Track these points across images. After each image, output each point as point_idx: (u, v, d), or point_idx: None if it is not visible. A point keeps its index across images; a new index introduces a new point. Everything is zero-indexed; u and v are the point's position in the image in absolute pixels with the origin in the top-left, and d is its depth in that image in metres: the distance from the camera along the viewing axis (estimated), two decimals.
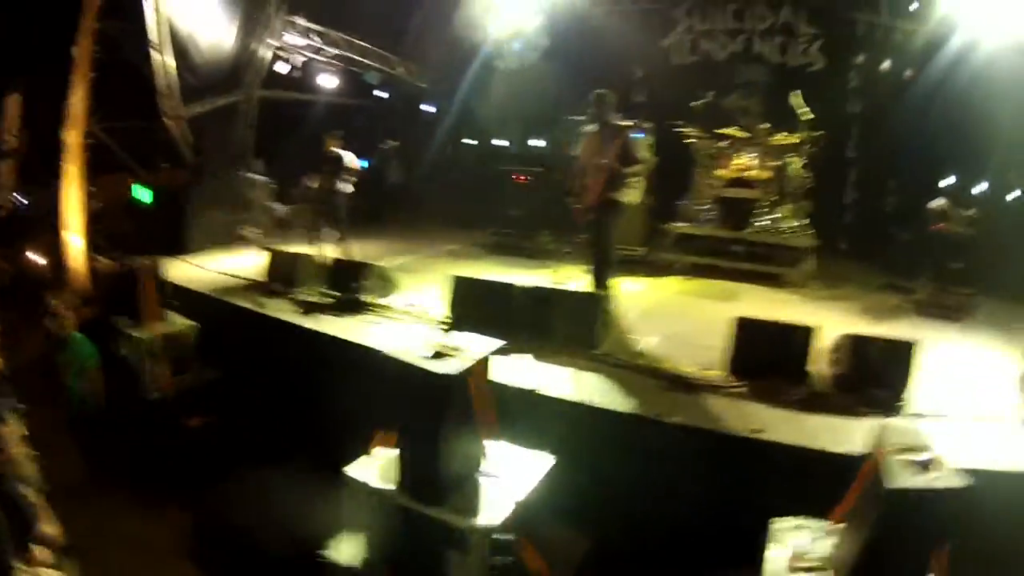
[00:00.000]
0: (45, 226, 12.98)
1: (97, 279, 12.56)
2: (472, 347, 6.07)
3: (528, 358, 9.12)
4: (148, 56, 14.02)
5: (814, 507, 5.77)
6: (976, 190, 15.82)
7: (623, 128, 10.96)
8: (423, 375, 5.62)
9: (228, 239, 15.72)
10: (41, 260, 12.99)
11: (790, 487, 6.63)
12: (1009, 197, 15.68)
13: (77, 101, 12.75)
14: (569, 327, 9.65)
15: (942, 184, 15.37)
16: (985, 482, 4.82)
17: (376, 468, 6.31)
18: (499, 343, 6.30)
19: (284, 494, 8.02)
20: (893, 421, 6.26)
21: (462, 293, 10.46)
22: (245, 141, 17.24)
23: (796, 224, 15.20)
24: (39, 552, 5.32)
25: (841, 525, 5.34)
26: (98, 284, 12.39)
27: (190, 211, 15.02)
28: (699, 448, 7.43)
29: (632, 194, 10.91)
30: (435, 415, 5.68)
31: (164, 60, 14.20)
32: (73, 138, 12.73)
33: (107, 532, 7.76)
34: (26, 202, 13.66)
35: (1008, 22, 13.91)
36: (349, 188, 14.39)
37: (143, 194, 14.42)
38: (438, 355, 5.82)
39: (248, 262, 13.72)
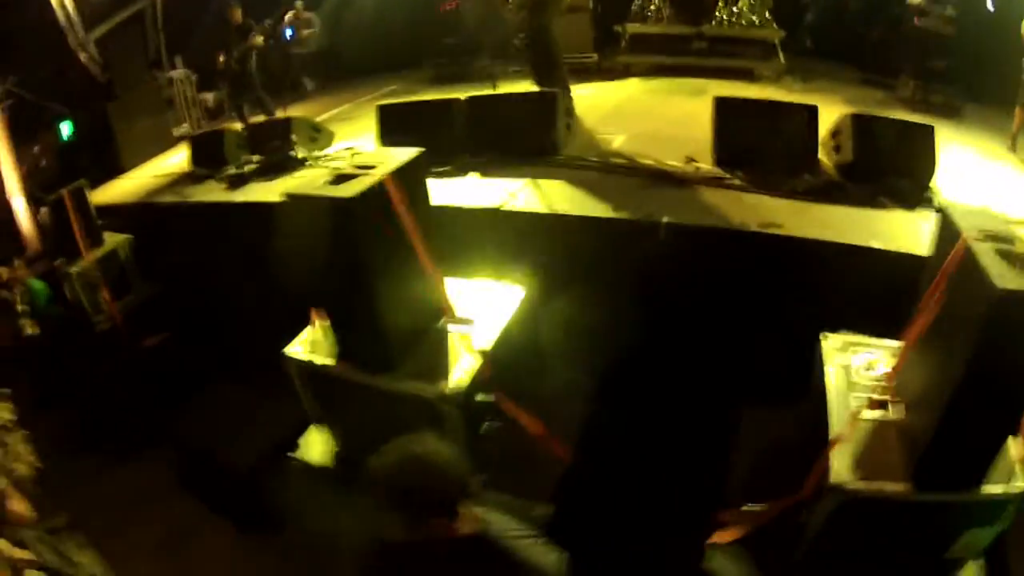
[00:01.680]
0: None
1: (44, 234, 11.97)
2: (385, 160, 4.75)
3: (474, 178, 8.33)
4: None
5: (857, 318, 4.91)
6: None
7: None
8: (323, 205, 4.35)
9: (162, 145, 15.00)
10: None
11: (825, 292, 5.76)
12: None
13: None
14: (524, 135, 8.86)
15: None
16: None
17: (309, 340, 5.37)
18: (418, 150, 4.98)
19: (253, 405, 7.67)
20: (958, 202, 5.11)
21: (391, 121, 9.50)
22: (158, 44, 16.51)
23: (759, 16, 14.40)
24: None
25: (905, 347, 4.29)
26: (43, 235, 11.91)
27: (113, 129, 14.21)
28: (703, 251, 6.58)
29: None
30: (347, 254, 4.46)
31: None
32: None
33: (97, 490, 7.42)
34: None
35: None
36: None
37: (63, 129, 13.77)
38: (340, 180, 4.50)
39: (182, 157, 13.00)
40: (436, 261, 5.00)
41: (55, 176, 12.79)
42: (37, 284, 9.42)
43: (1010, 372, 3.40)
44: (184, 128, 15.69)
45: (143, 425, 8.18)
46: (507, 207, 7.37)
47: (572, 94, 10.43)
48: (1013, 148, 10.31)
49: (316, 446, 5.84)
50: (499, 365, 4.92)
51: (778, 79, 13.54)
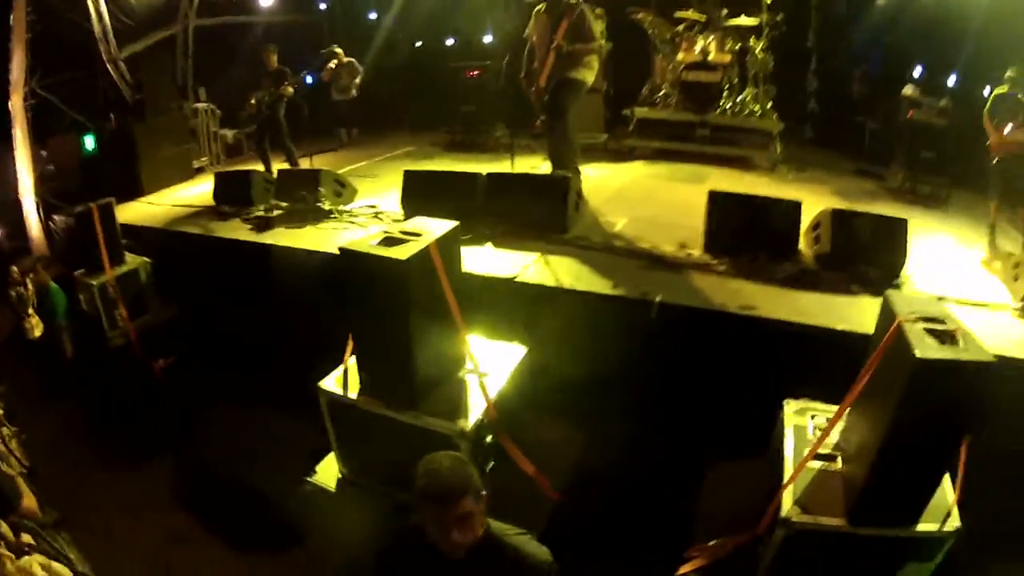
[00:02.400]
0: None
1: (54, 238, 12.43)
2: (429, 228, 5.51)
3: (490, 248, 8.80)
4: (82, 5, 13.64)
5: (819, 389, 5.55)
6: (947, 82, 15.55)
7: (573, 5, 10.39)
8: (376, 262, 5.08)
9: (181, 173, 15.28)
10: None
11: (789, 368, 6.32)
12: (982, 92, 15.32)
13: (16, 66, 12.42)
14: (536, 212, 9.31)
15: (912, 74, 15.38)
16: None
17: (339, 376, 5.94)
18: (455, 223, 5.70)
19: (261, 427, 8.07)
20: (905, 291, 5.81)
21: (415, 187, 10.04)
22: (186, 72, 16.91)
23: (760, 107, 14.86)
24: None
25: (854, 408, 4.94)
26: (56, 242, 12.28)
27: (138, 151, 14.35)
28: (688, 328, 7.15)
29: (587, 72, 10.42)
30: (394, 306, 5.18)
31: (98, 6, 13.87)
32: (16, 102, 12.43)
33: (92, 495, 7.54)
34: None
35: None
36: (353, 91, 15.48)
37: (87, 141, 13.96)
38: (390, 241, 5.26)
39: (201, 190, 13.46)
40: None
41: (74, 186, 13.24)
42: (56, 289, 9.76)
43: (927, 427, 4.06)
44: (203, 161, 16.05)
45: (145, 435, 8.38)
46: (520, 279, 7.88)
47: (581, 175, 10.83)
48: (992, 238, 10.39)
49: (333, 471, 6.26)
50: (502, 412, 5.51)
51: (774, 168, 13.95)
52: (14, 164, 12.38)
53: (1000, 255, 8.98)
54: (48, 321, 9.66)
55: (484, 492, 3.67)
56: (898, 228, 8.15)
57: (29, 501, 5.29)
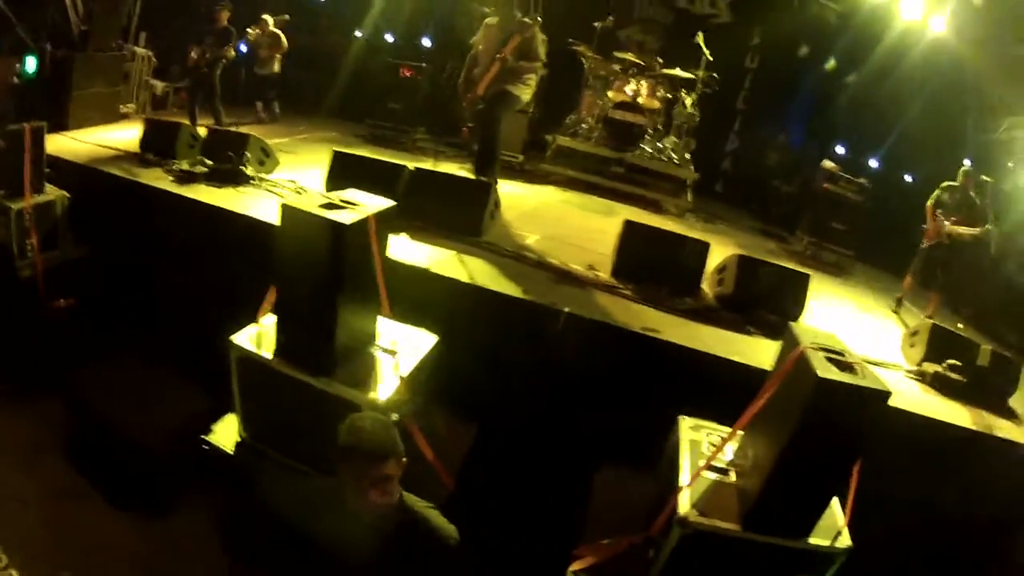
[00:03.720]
0: None
1: None
2: (368, 202, 5.60)
3: (405, 238, 8.81)
4: None
5: (711, 411, 5.75)
6: (868, 163, 16.65)
7: (528, 24, 10.63)
8: (318, 223, 5.08)
9: (108, 115, 14.82)
10: None
11: (687, 391, 6.49)
12: (904, 178, 16.18)
13: None
14: (455, 213, 9.40)
15: (833, 151, 15.95)
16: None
17: (254, 334, 5.88)
18: (393, 203, 5.85)
19: (156, 382, 7.90)
20: (807, 325, 6.07)
21: (341, 168, 10.03)
22: (132, 12, 16.22)
23: (679, 156, 15.21)
24: None
25: (742, 432, 5.22)
26: None
27: (72, 83, 14.01)
28: (593, 341, 7.27)
29: (525, 90, 10.72)
30: (329, 271, 5.21)
31: None
32: None
33: None
34: None
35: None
36: (275, 65, 15.36)
37: (29, 62, 13.52)
38: (330, 206, 5.30)
39: (127, 136, 13.00)
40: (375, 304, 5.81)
41: (4, 108, 12.80)
42: None
43: (823, 446, 4.28)
44: (130, 107, 15.63)
45: (37, 374, 8.04)
46: (436, 270, 7.94)
47: (497, 188, 10.82)
48: (897, 309, 11.33)
49: (231, 431, 6.12)
50: (409, 393, 5.59)
51: (682, 215, 14.30)
52: None
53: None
54: None
55: (404, 459, 3.74)
56: (799, 281, 8.61)
57: None
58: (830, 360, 4.38)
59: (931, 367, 8.14)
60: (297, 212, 5.26)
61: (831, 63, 17.53)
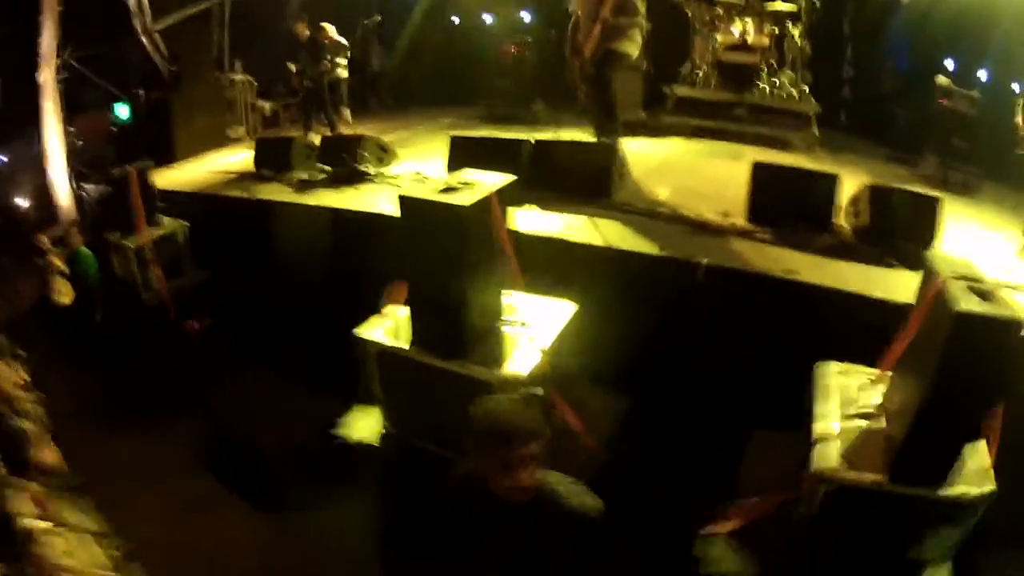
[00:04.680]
0: (28, 171, 12.61)
1: (84, 205, 12.42)
2: (485, 180, 5.63)
3: (536, 210, 8.91)
4: None
5: (857, 354, 5.60)
6: (978, 76, 15.79)
7: None
8: (437, 209, 5.19)
9: (216, 143, 15.39)
10: (25, 203, 12.64)
11: (831, 332, 6.43)
12: (1013, 86, 15.44)
13: (47, 38, 12.26)
14: (582, 178, 9.45)
15: (944, 67, 15.36)
16: None
17: (388, 327, 6.02)
18: (511, 176, 5.88)
19: (289, 389, 8.14)
20: (943, 254, 5.91)
21: (462, 152, 10.07)
22: (222, 43, 16.79)
23: (798, 90, 15.04)
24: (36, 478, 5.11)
25: (891, 372, 5.09)
26: (88, 209, 12.26)
27: (173, 120, 14.60)
28: (733, 291, 7.27)
29: (631, 46, 10.55)
30: (453, 254, 5.30)
31: None
32: (46, 75, 12.30)
33: (117, 457, 7.62)
34: (4, 158, 13.15)
35: None
36: (340, 71, 14.80)
37: (122, 111, 14.03)
38: (449, 190, 5.36)
39: (238, 159, 13.57)
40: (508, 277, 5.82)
41: (108, 156, 13.31)
42: (88, 254, 9.94)
43: (968, 384, 4.08)
44: (240, 131, 16.08)
45: (174, 398, 8.38)
46: (568, 238, 8.02)
47: (623, 147, 10.78)
48: None
49: (360, 426, 6.35)
50: (552, 366, 5.64)
51: (809, 150, 14.08)
52: (38, 141, 12.32)
53: None
54: (79, 286, 9.80)
55: (547, 436, 3.65)
56: (932, 205, 8.28)
57: (52, 456, 5.41)
58: (971, 290, 4.20)
59: None
60: (416, 201, 5.36)
61: None
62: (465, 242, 5.22)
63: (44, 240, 9.74)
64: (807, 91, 15.05)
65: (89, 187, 12.42)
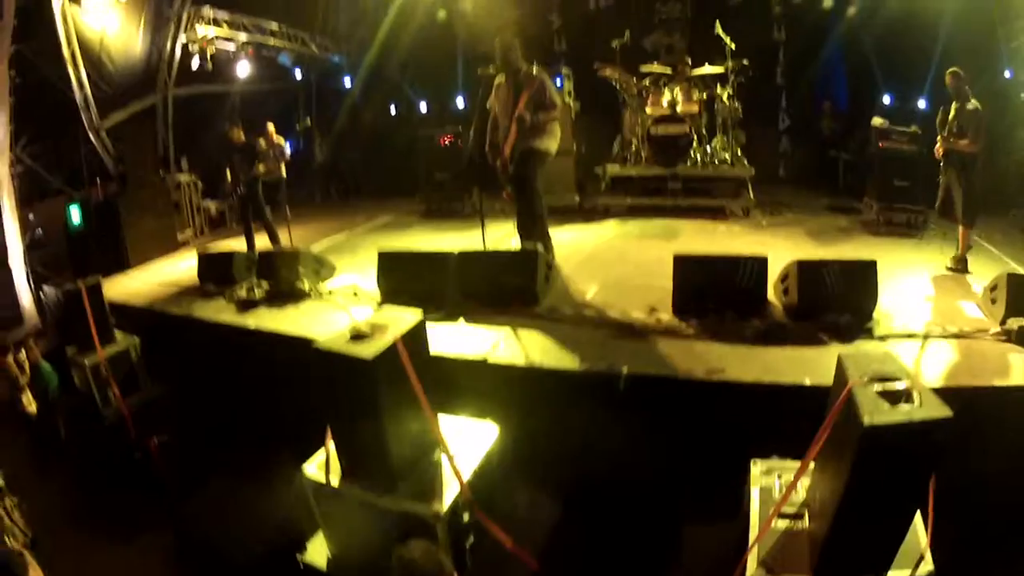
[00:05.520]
0: None
1: (44, 309, 12.49)
2: (395, 322, 5.66)
3: (462, 324, 8.87)
4: (63, 74, 13.94)
5: (789, 445, 5.48)
6: (918, 105, 16.04)
7: (532, 76, 10.42)
8: (344, 360, 5.25)
9: (166, 246, 15.59)
10: None
11: (760, 426, 6.37)
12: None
13: (1, 131, 12.45)
14: (508, 287, 9.35)
15: (881, 103, 15.54)
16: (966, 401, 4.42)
17: (320, 461, 5.99)
18: (419, 314, 5.90)
19: (255, 500, 7.97)
20: (862, 347, 5.89)
21: (389, 267, 10.09)
22: (167, 142, 17.07)
23: (730, 155, 15.10)
24: None
25: (816, 466, 4.98)
26: (48, 313, 12.31)
27: (122, 224, 14.67)
28: (657, 397, 7.18)
29: (551, 142, 10.52)
30: (365, 399, 5.33)
31: (79, 74, 14.15)
32: (2, 168, 12.46)
33: (87, 567, 7.50)
34: None
35: None
36: (280, 172, 14.89)
37: (74, 214, 14.18)
38: (358, 336, 5.42)
39: (186, 266, 13.54)
40: (432, 402, 5.72)
41: (62, 253, 13.72)
42: (48, 369, 9.99)
43: (885, 484, 4.04)
44: (188, 234, 16.33)
45: (142, 510, 8.25)
46: (491, 359, 7.90)
47: (553, 239, 10.80)
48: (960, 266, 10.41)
49: (322, 549, 6.22)
50: (477, 490, 5.62)
51: (747, 215, 14.12)
52: (1, 232, 12.45)
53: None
54: (41, 399, 9.87)
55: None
56: (866, 271, 8.23)
57: (35, 573, 5.33)
58: (882, 393, 4.16)
59: (1016, 322, 7.63)
60: (325, 352, 5.40)
61: (852, 10, 17.05)
62: (374, 389, 5.25)
63: (8, 340, 9.88)
64: (740, 154, 15.14)
65: (48, 289, 12.25)
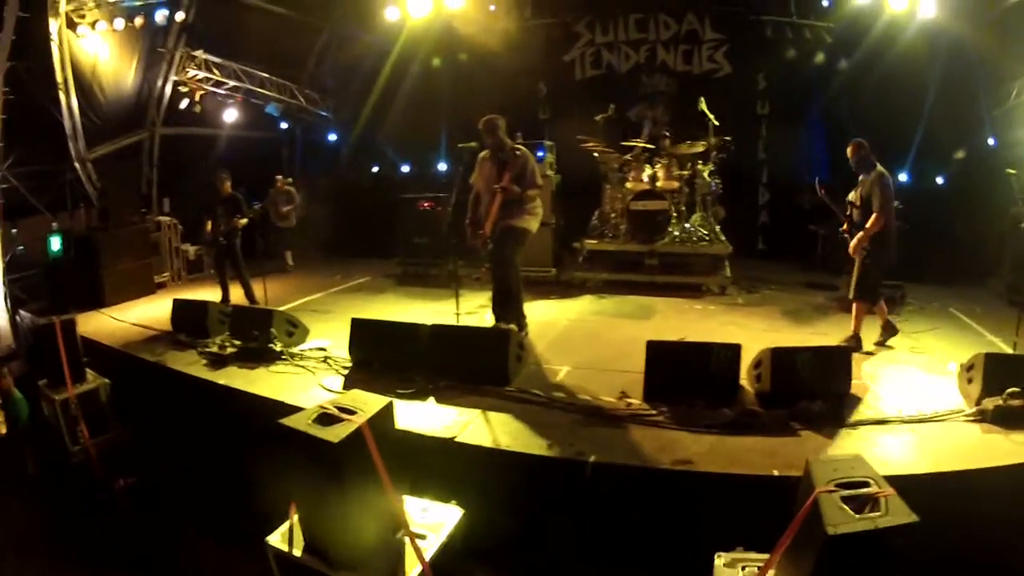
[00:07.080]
0: None
1: (20, 333, 12.57)
2: (363, 405, 5.61)
3: (432, 403, 8.79)
4: (55, 98, 14.22)
5: (756, 537, 5.41)
6: (898, 179, 15.85)
7: (517, 154, 10.57)
8: (309, 441, 5.23)
9: (143, 287, 15.58)
10: None
11: (726, 517, 6.31)
12: (936, 182, 16.12)
13: None
14: (479, 365, 9.31)
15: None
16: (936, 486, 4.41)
17: (284, 531, 5.92)
18: (388, 401, 5.80)
19: (221, 558, 7.92)
20: (832, 444, 5.86)
21: (362, 335, 10.13)
22: (151, 181, 17.39)
23: (709, 231, 15.17)
24: None
25: (780, 563, 4.87)
26: (23, 338, 12.37)
27: (101, 262, 14.61)
28: (624, 485, 7.09)
29: (532, 220, 10.71)
30: (328, 479, 5.32)
31: (70, 101, 14.42)
32: None
33: None
34: None
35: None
36: (290, 218, 16.06)
37: (54, 242, 14.24)
38: (325, 417, 5.39)
39: (163, 309, 13.43)
40: (396, 483, 5.66)
41: (40, 282, 13.88)
42: (19, 397, 9.93)
43: None
44: (165, 276, 16.40)
45: (109, 550, 8.18)
46: (458, 439, 7.80)
47: (527, 314, 10.91)
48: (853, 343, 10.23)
49: None
50: (439, 570, 5.53)
51: (723, 292, 14.15)
52: None
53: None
54: (10, 427, 9.79)
55: None
56: (840, 357, 8.36)
57: None
58: (847, 500, 4.20)
59: (991, 402, 7.65)
60: (289, 431, 5.37)
61: (834, 86, 17.58)
62: (339, 472, 5.22)
63: None
64: (718, 231, 15.20)
65: (24, 315, 12.48)
